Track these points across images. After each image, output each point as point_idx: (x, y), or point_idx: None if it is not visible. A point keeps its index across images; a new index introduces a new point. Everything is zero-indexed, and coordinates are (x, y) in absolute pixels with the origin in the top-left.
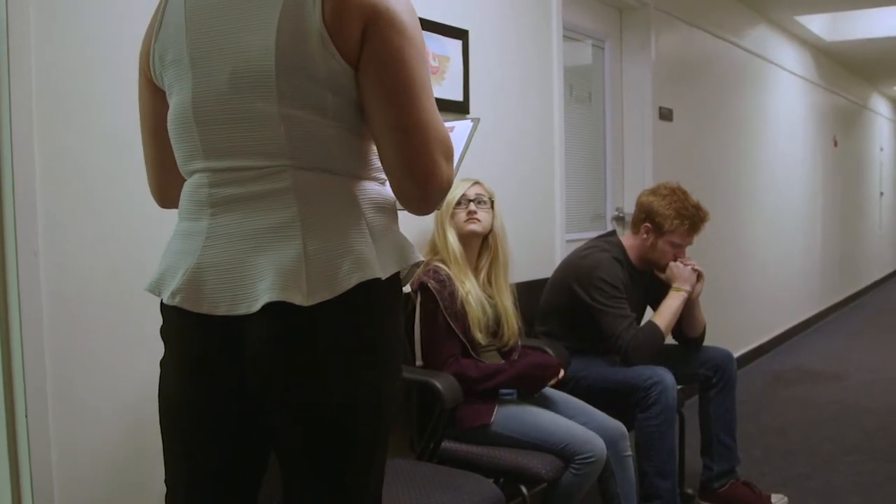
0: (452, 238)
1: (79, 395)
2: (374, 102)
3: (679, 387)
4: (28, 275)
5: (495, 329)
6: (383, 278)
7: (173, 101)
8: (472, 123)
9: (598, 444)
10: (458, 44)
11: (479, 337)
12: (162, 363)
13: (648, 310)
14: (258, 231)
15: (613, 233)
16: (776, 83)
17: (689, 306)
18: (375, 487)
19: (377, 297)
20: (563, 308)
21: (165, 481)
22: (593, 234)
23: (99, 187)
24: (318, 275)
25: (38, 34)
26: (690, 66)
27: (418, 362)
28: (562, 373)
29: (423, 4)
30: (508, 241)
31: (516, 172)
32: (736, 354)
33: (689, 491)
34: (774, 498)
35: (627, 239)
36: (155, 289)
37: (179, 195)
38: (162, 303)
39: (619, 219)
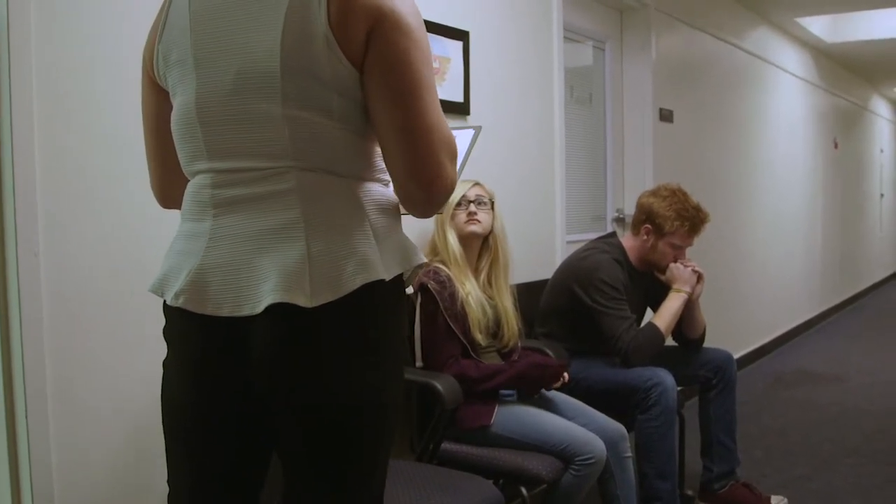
0: (453, 239)
1: (79, 395)
2: (379, 104)
3: (679, 388)
4: (28, 275)
5: (495, 330)
6: (387, 280)
7: (177, 102)
8: (473, 132)
9: (598, 445)
10: (458, 45)
11: (479, 338)
12: (165, 364)
13: (648, 311)
14: (261, 232)
15: (614, 234)
16: (776, 84)
17: (690, 308)
18: (378, 489)
19: (381, 298)
20: (563, 309)
21: (168, 482)
22: (593, 236)
23: (99, 187)
24: (321, 276)
25: (38, 34)
26: (691, 67)
27: (418, 363)
28: (566, 376)
29: (424, 5)
30: (509, 243)
31: (517, 173)
32: (736, 356)
33: (689, 492)
34: (774, 499)
35: (628, 240)
36: (158, 289)
37: (182, 195)
38: (165, 303)
39: (620, 220)
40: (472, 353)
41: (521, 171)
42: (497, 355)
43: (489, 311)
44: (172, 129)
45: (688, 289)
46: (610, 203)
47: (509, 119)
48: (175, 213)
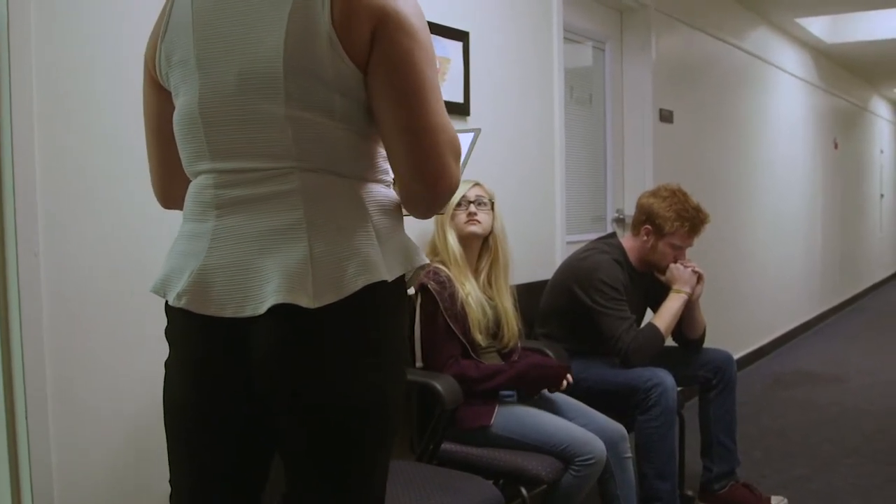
0: (452, 239)
1: (79, 395)
2: (383, 105)
3: (679, 388)
4: (28, 275)
5: (495, 331)
6: (389, 280)
7: (179, 102)
8: (473, 134)
9: (598, 445)
10: (458, 45)
11: (479, 338)
12: (167, 364)
13: (648, 312)
14: (264, 233)
15: (613, 234)
16: (776, 85)
17: (689, 308)
18: (379, 489)
19: (383, 299)
20: (563, 310)
21: (170, 482)
22: (593, 236)
23: (99, 187)
24: (324, 277)
25: (38, 34)
26: (691, 67)
27: (418, 363)
28: (569, 377)
29: (424, 6)
30: (508, 243)
31: (517, 174)
32: (736, 356)
33: (689, 493)
34: (774, 500)
35: (627, 241)
36: (160, 290)
37: (183, 196)
38: (167, 304)
39: (620, 220)
40: (471, 354)
41: (521, 172)
42: (497, 356)
43: (489, 311)
44: (175, 129)
45: (688, 289)
46: (610, 203)
47: (509, 119)
48: (175, 213)
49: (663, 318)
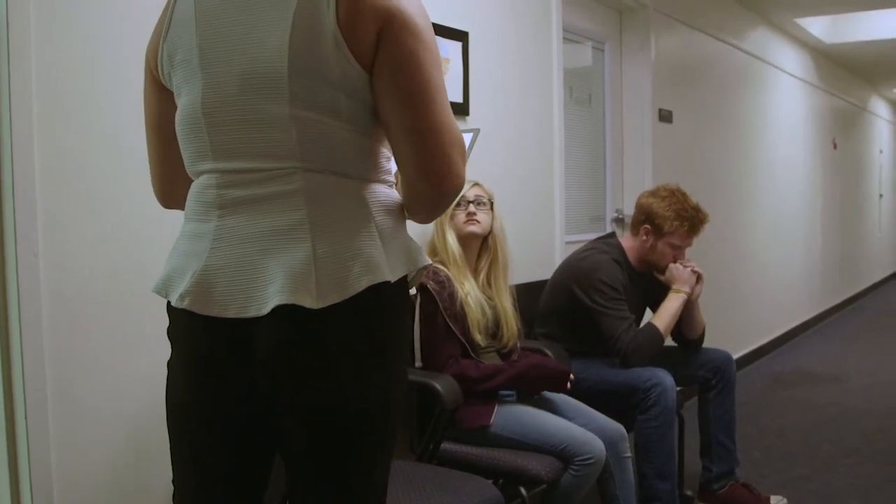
0: (452, 239)
1: (79, 395)
2: (389, 105)
3: (678, 388)
4: (28, 275)
5: (494, 330)
6: (392, 281)
7: (182, 101)
8: (472, 135)
9: (598, 445)
10: (458, 45)
11: (479, 338)
12: (169, 364)
13: (648, 312)
14: (267, 233)
15: (613, 234)
16: (776, 85)
17: (689, 308)
18: (381, 489)
19: (386, 299)
20: (562, 310)
21: (173, 481)
22: (593, 236)
23: (99, 187)
24: (327, 277)
25: (38, 34)
26: (690, 67)
27: (417, 363)
28: (572, 377)
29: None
30: (508, 243)
31: (516, 174)
32: (735, 356)
33: (689, 492)
34: (773, 500)
35: (627, 240)
36: (162, 290)
37: (183, 196)
38: (169, 304)
39: (619, 220)
40: (471, 354)
41: (521, 172)
42: (496, 355)
43: (488, 311)
44: (177, 128)
45: (687, 289)
46: (609, 203)
47: (509, 119)
48: (175, 213)
49: (662, 317)
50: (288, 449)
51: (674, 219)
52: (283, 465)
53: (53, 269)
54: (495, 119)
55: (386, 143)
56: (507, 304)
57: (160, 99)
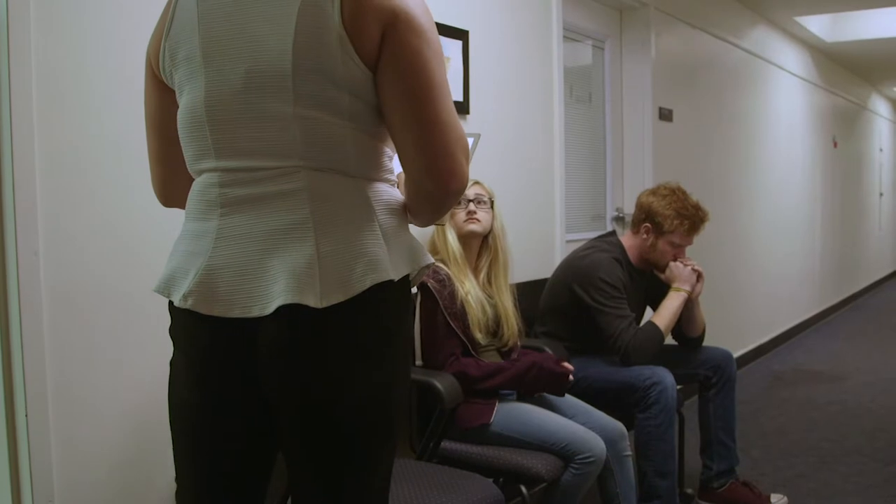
0: (452, 238)
1: (79, 394)
2: (394, 104)
3: (679, 387)
4: (28, 274)
5: (495, 329)
6: (396, 280)
7: (184, 99)
8: (472, 140)
9: (598, 443)
10: (458, 44)
11: (479, 337)
12: (172, 363)
13: (648, 310)
14: (270, 232)
15: (613, 233)
16: (776, 84)
17: (689, 306)
18: (384, 488)
19: (389, 298)
20: (562, 308)
21: (176, 479)
22: (593, 235)
23: (99, 186)
24: (331, 276)
25: (38, 33)
26: (690, 66)
27: (418, 362)
28: (571, 378)
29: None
30: (508, 241)
31: (516, 172)
32: (735, 354)
33: (689, 491)
34: (774, 498)
35: (627, 239)
36: (164, 290)
37: (184, 194)
38: (171, 302)
39: (619, 219)
40: (471, 352)
41: (521, 170)
42: (497, 354)
43: (489, 309)
44: (179, 126)
45: (687, 287)
46: (609, 202)
47: (509, 118)
48: (176, 211)
49: (663, 316)
50: (290, 448)
51: (674, 217)
52: (282, 464)
53: (54, 268)
54: (495, 118)
55: (389, 142)
56: (507, 303)
57: (161, 97)
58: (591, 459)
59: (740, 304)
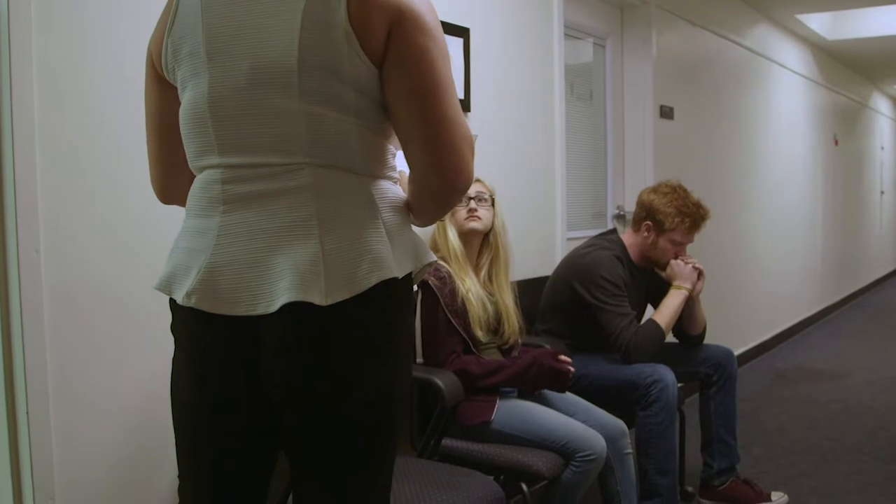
0: (453, 235)
1: (80, 392)
2: (400, 102)
3: (679, 385)
4: (29, 272)
5: (496, 326)
6: (399, 277)
7: (187, 95)
8: None
9: (599, 441)
10: (459, 42)
11: (480, 334)
12: (174, 361)
13: (649, 308)
14: (274, 229)
15: (614, 231)
16: (777, 81)
17: (690, 304)
18: (385, 486)
19: (393, 296)
20: (563, 306)
21: (178, 476)
22: (594, 233)
23: (100, 184)
24: (336, 274)
25: (39, 32)
26: (691, 64)
27: (419, 360)
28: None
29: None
30: (509, 239)
31: (517, 170)
32: (737, 352)
33: (690, 488)
34: (775, 496)
35: (628, 237)
36: (165, 288)
37: (183, 191)
38: (172, 299)
39: (620, 217)
40: (472, 349)
41: (522, 168)
42: (497, 352)
43: (490, 307)
44: (181, 122)
45: (688, 285)
46: (610, 200)
47: (510, 116)
48: (177, 209)
49: (664, 314)
50: (293, 446)
51: (675, 215)
52: (283, 463)
53: (54, 266)
54: (496, 116)
55: (392, 139)
56: (508, 301)
57: (161, 94)
58: (592, 457)
59: (741, 301)
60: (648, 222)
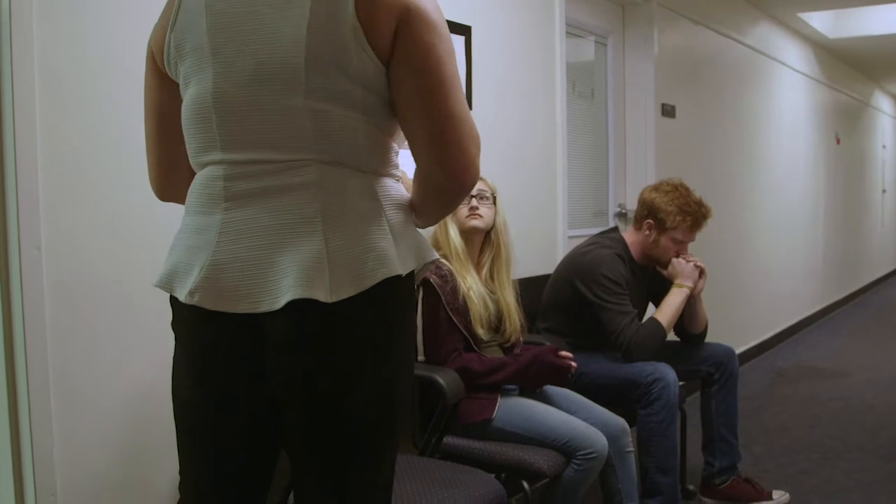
0: (454, 233)
1: (81, 389)
2: (407, 99)
3: (681, 383)
4: (30, 269)
5: (497, 325)
6: (403, 275)
7: (191, 91)
8: None
9: (600, 439)
10: (460, 40)
11: (481, 332)
12: (175, 358)
13: (650, 306)
14: (278, 226)
15: (615, 229)
16: (779, 80)
17: (692, 303)
18: (387, 485)
19: (397, 293)
20: (565, 304)
21: (179, 472)
22: (595, 231)
23: (100, 181)
24: (340, 271)
25: (40, 31)
26: (693, 62)
27: (420, 357)
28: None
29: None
30: (510, 237)
31: (519, 168)
32: (738, 351)
33: (691, 487)
34: (776, 494)
35: (629, 235)
36: (166, 285)
37: (181, 188)
38: (172, 296)
39: (622, 215)
40: (474, 347)
41: (523, 166)
42: (499, 349)
43: (491, 305)
44: (183, 118)
45: (690, 284)
46: (612, 198)
47: (511, 114)
48: (178, 207)
49: (665, 312)
50: (295, 444)
51: (677, 214)
52: (284, 461)
53: (55, 263)
54: (498, 114)
55: (396, 136)
56: (509, 299)
57: (162, 90)
58: (593, 455)
59: (743, 300)
60: (650, 221)
